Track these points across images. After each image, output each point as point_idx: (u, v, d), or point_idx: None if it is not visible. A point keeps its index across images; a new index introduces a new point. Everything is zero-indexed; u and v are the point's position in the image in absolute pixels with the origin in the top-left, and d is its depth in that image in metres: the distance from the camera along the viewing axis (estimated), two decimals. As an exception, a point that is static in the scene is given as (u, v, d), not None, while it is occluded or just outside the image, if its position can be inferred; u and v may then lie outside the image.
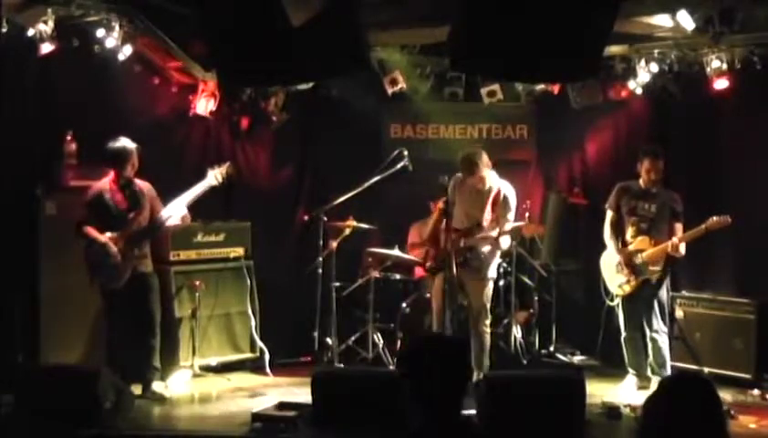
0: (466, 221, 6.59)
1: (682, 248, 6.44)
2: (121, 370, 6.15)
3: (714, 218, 6.30)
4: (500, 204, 6.58)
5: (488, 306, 6.65)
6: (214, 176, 6.64)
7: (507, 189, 6.63)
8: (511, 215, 6.62)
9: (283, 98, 7.92)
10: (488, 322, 6.63)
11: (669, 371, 6.51)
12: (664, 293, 6.66)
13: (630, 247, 6.57)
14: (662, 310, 6.63)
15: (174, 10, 6.48)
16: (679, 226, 6.54)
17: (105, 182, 6.46)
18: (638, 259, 6.51)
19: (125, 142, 6.38)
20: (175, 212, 6.51)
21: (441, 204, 6.55)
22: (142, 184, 6.52)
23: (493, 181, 6.61)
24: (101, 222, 6.33)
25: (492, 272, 6.66)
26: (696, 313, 7.06)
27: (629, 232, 6.61)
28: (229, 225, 7.40)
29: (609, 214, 6.75)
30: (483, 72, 6.55)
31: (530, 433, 4.95)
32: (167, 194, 6.62)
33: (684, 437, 2.45)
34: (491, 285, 6.68)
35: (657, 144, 6.77)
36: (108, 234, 6.29)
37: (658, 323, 6.57)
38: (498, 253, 6.72)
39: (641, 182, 6.62)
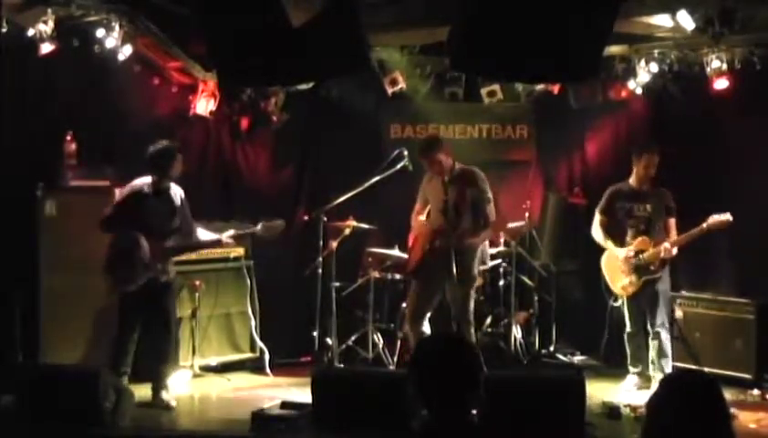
0: (441, 219, 6.40)
1: (675, 250, 6.48)
2: (123, 371, 6.15)
3: (714, 217, 6.32)
4: (469, 186, 6.41)
5: (471, 310, 6.50)
6: (254, 230, 6.54)
7: (475, 170, 6.51)
8: (487, 195, 6.41)
9: (283, 98, 7.92)
10: (472, 330, 6.53)
11: (670, 366, 6.50)
12: (667, 287, 6.68)
13: (631, 248, 6.58)
14: (667, 305, 6.65)
15: (174, 10, 6.48)
16: (672, 222, 6.60)
17: (144, 184, 6.21)
18: (640, 260, 6.52)
19: (169, 144, 6.21)
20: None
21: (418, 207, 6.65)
22: (178, 192, 6.32)
23: (457, 165, 6.51)
24: (135, 222, 6.06)
25: (475, 271, 6.53)
26: (696, 313, 7.06)
27: (629, 234, 6.63)
28: (229, 225, 7.38)
29: (598, 218, 6.79)
30: (483, 72, 6.53)
31: (530, 433, 4.95)
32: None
33: (689, 436, 2.45)
34: (473, 290, 6.54)
35: (650, 139, 6.78)
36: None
37: (662, 318, 6.58)
38: (481, 249, 6.60)
39: (632, 181, 6.67)
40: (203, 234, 6.53)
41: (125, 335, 6.26)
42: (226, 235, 6.50)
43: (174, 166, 6.23)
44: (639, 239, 6.57)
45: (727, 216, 6.31)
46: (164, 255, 6.20)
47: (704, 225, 6.37)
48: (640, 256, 6.53)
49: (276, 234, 6.63)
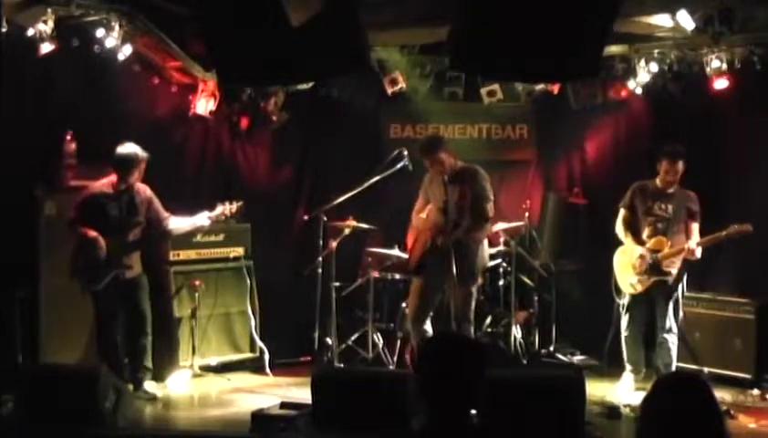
0: (441, 217, 6.42)
1: (698, 252, 6.41)
2: (113, 371, 6.15)
3: (735, 226, 6.27)
4: (470, 184, 6.41)
5: (472, 309, 6.54)
6: (223, 211, 6.62)
7: (475, 167, 6.53)
8: (486, 193, 6.44)
9: (283, 98, 7.91)
10: (471, 330, 6.53)
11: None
12: (679, 293, 6.62)
13: (646, 247, 6.53)
14: (676, 310, 6.61)
15: (174, 10, 6.48)
16: (695, 226, 6.51)
17: (103, 185, 6.42)
18: (654, 259, 6.49)
19: (135, 150, 6.34)
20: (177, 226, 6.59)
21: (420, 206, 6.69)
22: (141, 189, 6.48)
23: (458, 163, 6.53)
24: (94, 225, 6.29)
25: (476, 270, 6.53)
26: (696, 313, 7.05)
27: (645, 232, 6.57)
28: (229, 225, 7.38)
29: (622, 212, 6.71)
30: (483, 72, 6.54)
31: (530, 433, 4.95)
32: (164, 196, 6.63)
33: (682, 436, 2.46)
34: (474, 289, 6.57)
35: (677, 145, 6.66)
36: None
37: (670, 322, 6.55)
38: (482, 247, 6.60)
39: (658, 181, 6.58)
40: (178, 222, 6.59)
41: (105, 335, 6.40)
42: (201, 217, 6.59)
43: (134, 173, 6.38)
44: (656, 239, 6.51)
45: (747, 226, 6.25)
46: (125, 250, 6.35)
47: (723, 233, 6.31)
48: (654, 256, 6.50)
49: (238, 213, 6.77)
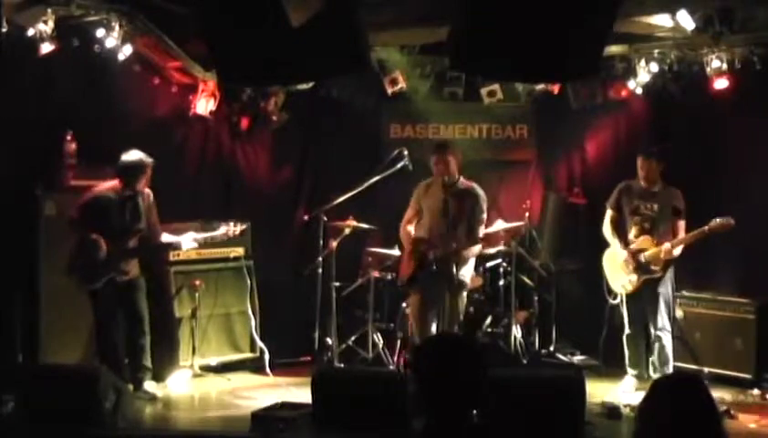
0: (435, 229, 6.51)
1: (676, 251, 6.44)
2: (113, 371, 6.15)
3: (717, 220, 6.28)
4: (469, 201, 6.51)
5: (462, 311, 6.58)
6: (226, 232, 6.69)
7: (477, 189, 6.61)
8: (482, 216, 6.56)
9: (283, 98, 7.92)
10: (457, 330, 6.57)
11: (671, 371, 6.49)
12: (669, 290, 6.63)
13: (633, 246, 6.56)
14: (668, 308, 6.61)
15: (174, 10, 6.48)
16: (681, 224, 6.53)
17: (108, 188, 6.39)
18: (641, 258, 6.50)
19: (140, 156, 6.32)
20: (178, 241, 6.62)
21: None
22: (147, 196, 6.46)
23: (462, 179, 6.60)
24: (95, 228, 6.27)
25: (467, 280, 6.60)
26: (696, 313, 7.06)
27: (632, 231, 6.60)
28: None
29: (609, 213, 6.75)
30: (483, 72, 6.54)
31: (530, 433, 4.95)
32: (164, 196, 6.63)
33: (680, 437, 2.46)
34: (465, 295, 6.62)
35: (653, 144, 6.71)
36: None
37: (663, 321, 6.55)
38: (472, 260, 6.66)
39: (642, 180, 6.61)
40: (166, 237, 6.63)
41: (105, 335, 6.38)
42: (187, 239, 6.63)
43: (141, 180, 6.36)
44: (642, 238, 6.54)
45: (729, 220, 6.27)
46: (124, 256, 6.35)
47: (706, 228, 6.32)
48: (641, 255, 6.51)
49: (241, 236, 6.87)
